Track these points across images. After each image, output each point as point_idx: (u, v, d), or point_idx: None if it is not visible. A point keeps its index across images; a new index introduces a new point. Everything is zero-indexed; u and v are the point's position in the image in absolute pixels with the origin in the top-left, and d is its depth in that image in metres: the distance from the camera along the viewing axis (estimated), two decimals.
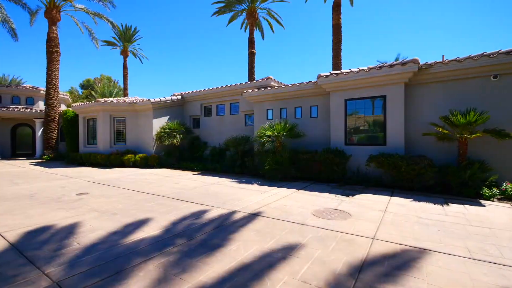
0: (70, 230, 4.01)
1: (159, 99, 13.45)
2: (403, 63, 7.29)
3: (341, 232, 3.88)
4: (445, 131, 6.71)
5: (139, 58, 33.04)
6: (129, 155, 12.66)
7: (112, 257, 3.08)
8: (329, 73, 8.60)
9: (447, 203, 5.50)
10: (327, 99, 9.25)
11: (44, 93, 18.69)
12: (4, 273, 2.72)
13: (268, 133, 8.83)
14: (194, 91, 14.24)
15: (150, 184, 7.96)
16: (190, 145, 13.87)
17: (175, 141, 12.57)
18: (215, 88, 13.24)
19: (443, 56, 7.24)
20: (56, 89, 17.91)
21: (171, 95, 14.79)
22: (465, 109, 6.77)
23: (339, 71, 8.53)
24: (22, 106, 19.66)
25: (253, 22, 21.82)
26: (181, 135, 12.86)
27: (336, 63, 15.90)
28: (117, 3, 52.80)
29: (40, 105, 20.32)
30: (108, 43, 30.15)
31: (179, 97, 14.56)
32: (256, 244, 3.46)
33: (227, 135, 12.42)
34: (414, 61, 7.16)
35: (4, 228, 4.07)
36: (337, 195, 6.30)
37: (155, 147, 13.38)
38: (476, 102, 6.85)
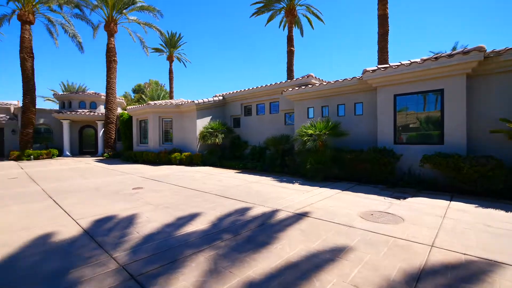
0: (130, 220, 4.46)
1: (202, 101, 14.13)
2: (465, 52, 6.49)
3: (393, 236, 3.63)
4: None
5: (183, 62, 35.17)
6: (175, 154, 13.56)
7: (167, 247, 3.34)
8: (376, 68, 8.08)
9: None
10: (373, 95, 8.71)
11: (104, 98, 21.10)
12: (81, 254, 3.15)
13: (310, 131, 8.64)
14: (235, 91, 14.62)
15: (195, 181, 8.42)
16: (231, 144, 14.31)
17: (217, 140, 13.11)
18: (254, 88, 13.42)
19: None
20: (114, 94, 20.03)
21: (213, 96, 15.41)
22: None
23: (387, 65, 7.96)
24: (87, 110, 22.42)
25: (291, 19, 21.56)
26: (222, 135, 13.36)
27: (382, 57, 14.84)
28: (161, 9, 56.62)
29: (101, 109, 22.96)
30: (156, 50, 32.67)
31: (221, 97, 15.10)
32: (301, 243, 3.42)
33: (267, 134, 12.51)
34: (479, 49, 6.32)
35: (79, 216, 4.71)
36: (386, 198, 5.90)
37: (198, 146, 14.10)
38: None
